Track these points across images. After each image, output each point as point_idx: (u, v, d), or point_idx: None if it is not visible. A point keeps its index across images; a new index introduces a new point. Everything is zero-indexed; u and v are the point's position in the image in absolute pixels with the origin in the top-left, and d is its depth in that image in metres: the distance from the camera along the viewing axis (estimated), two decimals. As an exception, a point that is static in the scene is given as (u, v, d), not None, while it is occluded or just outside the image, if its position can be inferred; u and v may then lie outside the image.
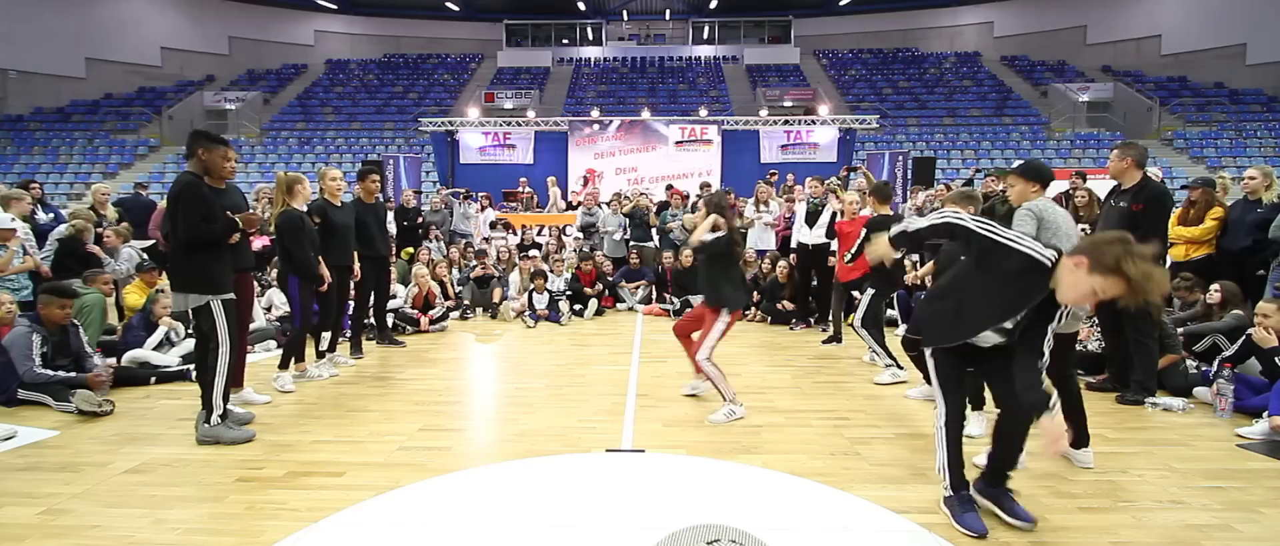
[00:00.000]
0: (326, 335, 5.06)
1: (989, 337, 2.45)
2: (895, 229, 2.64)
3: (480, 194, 10.67)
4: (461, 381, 4.90)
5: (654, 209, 8.93)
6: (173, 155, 19.46)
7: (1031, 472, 3.06)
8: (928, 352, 2.58)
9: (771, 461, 3.22)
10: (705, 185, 9.80)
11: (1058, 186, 7.96)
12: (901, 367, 4.65)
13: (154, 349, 4.84)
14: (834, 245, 6.72)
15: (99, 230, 6.21)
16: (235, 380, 4.09)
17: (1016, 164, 3.34)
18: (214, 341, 3.48)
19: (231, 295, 3.59)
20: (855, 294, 5.28)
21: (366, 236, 5.30)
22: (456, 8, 26.91)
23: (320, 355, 5.01)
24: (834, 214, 6.72)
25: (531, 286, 7.32)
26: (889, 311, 4.83)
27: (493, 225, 9.99)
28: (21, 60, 20.45)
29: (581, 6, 26.94)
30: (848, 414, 3.99)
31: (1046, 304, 2.32)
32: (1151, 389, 4.14)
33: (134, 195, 8.23)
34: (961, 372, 2.54)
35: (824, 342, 6.06)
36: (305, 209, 4.56)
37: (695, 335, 4.11)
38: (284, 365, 4.55)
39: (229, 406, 3.61)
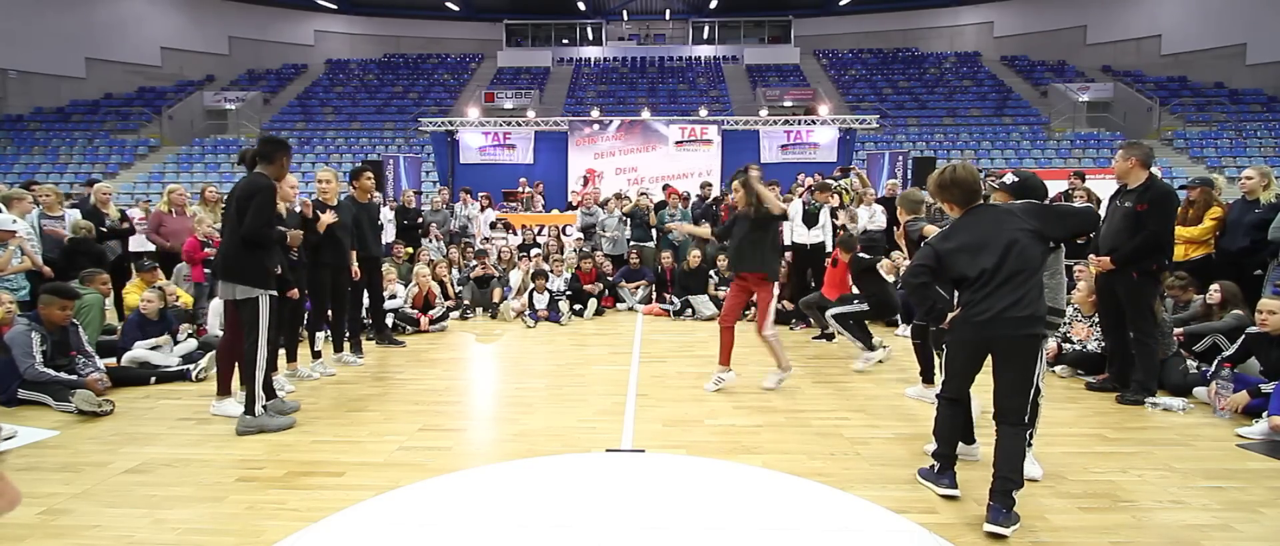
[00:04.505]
0: (321, 334, 5.09)
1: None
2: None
3: (480, 194, 10.66)
4: (461, 381, 4.90)
5: (652, 209, 8.92)
6: (172, 155, 19.46)
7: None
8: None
9: (771, 461, 3.22)
10: (706, 185, 9.80)
11: (1057, 185, 7.90)
12: (873, 348, 5.03)
13: (152, 349, 4.84)
14: (829, 245, 6.76)
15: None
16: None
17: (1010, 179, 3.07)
18: (254, 335, 3.55)
19: (276, 292, 3.70)
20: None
21: (360, 236, 5.29)
22: (456, 8, 26.90)
23: (315, 355, 5.02)
24: (834, 213, 6.75)
25: (532, 286, 7.32)
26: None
27: (493, 225, 9.98)
28: (21, 60, 20.44)
29: (581, 6, 26.93)
30: (848, 414, 3.99)
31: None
32: (1152, 389, 4.14)
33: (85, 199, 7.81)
34: None
35: (815, 339, 6.16)
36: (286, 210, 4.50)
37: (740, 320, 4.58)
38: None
39: (264, 400, 3.67)
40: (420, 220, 9.25)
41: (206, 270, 5.98)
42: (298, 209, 4.68)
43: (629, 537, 2.44)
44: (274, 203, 3.62)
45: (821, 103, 17.08)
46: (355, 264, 5.20)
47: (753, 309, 4.73)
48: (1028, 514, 2.62)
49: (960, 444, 2.95)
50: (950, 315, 2.68)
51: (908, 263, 6.53)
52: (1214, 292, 4.79)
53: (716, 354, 4.53)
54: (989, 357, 2.66)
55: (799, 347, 5.95)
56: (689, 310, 7.42)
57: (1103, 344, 4.65)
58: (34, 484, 2.92)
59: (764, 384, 4.36)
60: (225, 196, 4.14)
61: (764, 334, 4.38)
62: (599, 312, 7.60)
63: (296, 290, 4.44)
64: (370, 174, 5.52)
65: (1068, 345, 4.91)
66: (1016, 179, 3.00)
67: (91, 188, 7.25)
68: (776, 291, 4.42)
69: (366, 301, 5.73)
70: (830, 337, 6.06)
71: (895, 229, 5.70)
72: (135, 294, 5.65)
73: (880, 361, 5.01)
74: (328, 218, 4.70)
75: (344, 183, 5.59)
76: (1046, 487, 2.92)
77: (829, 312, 5.29)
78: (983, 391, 2.79)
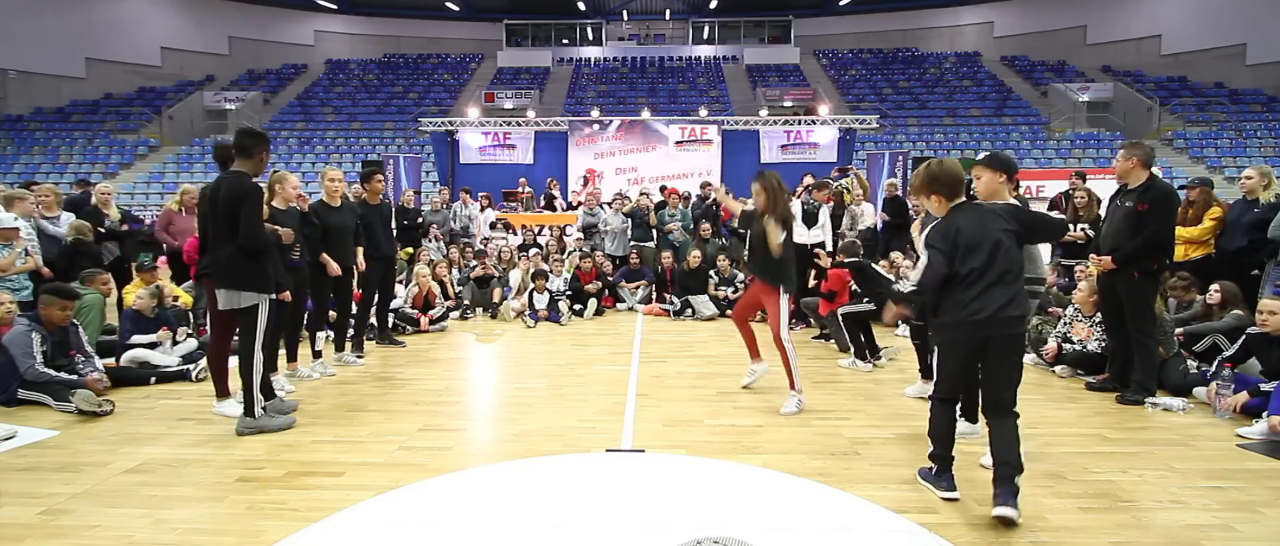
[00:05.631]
0: (322, 334, 5.09)
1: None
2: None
3: (480, 194, 10.67)
4: (461, 381, 4.90)
5: (652, 209, 8.92)
6: (172, 155, 19.46)
7: (1032, 472, 3.05)
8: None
9: (771, 461, 3.22)
10: (706, 185, 9.79)
11: (1057, 185, 7.86)
12: (864, 358, 5.09)
13: (151, 347, 4.84)
14: (829, 244, 6.76)
15: None
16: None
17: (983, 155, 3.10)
18: (251, 339, 3.53)
19: (275, 295, 3.69)
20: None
21: (372, 237, 5.29)
22: (456, 8, 26.90)
23: (316, 355, 5.02)
24: (833, 211, 6.77)
25: (532, 286, 7.32)
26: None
27: (493, 225, 9.98)
28: (21, 60, 20.45)
29: (581, 6, 26.93)
30: (848, 414, 3.99)
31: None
32: (1151, 389, 4.14)
33: (82, 193, 7.80)
34: None
35: (815, 339, 6.20)
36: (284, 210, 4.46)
37: (753, 321, 4.46)
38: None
39: (263, 402, 3.68)
40: (420, 220, 9.25)
41: None
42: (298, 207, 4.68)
43: (629, 537, 2.44)
44: (262, 205, 3.57)
45: (821, 103, 17.08)
46: (360, 259, 5.19)
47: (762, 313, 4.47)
48: (1028, 514, 2.62)
49: (964, 421, 3.07)
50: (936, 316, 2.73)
51: (905, 261, 6.58)
52: (1214, 293, 4.78)
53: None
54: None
55: (798, 347, 5.90)
56: (689, 310, 7.42)
57: (1103, 344, 4.65)
58: (34, 484, 2.93)
59: (783, 411, 3.98)
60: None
61: (780, 337, 4.05)
62: (599, 312, 7.60)
63: (288, 293, 4.36)
64: (381, 177, 5.56)
65: (1068, 345, 4.91)
66: (989, 154, 3.04)
67: (89, 188, 7.24)
68: (784, 300, 4.09)
69: (374, 300, 5.72)
70: (829, 337, 6.08)
71: (911, 211, 5.61)
72: (134, 293, 5.66)
73: (868, 370, 5.04)
74: (327, 218, 4.71)
75: (351, 183, 5.61)
76: (1046, 487, 2.92)
77: (838, 310, 5.38)
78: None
